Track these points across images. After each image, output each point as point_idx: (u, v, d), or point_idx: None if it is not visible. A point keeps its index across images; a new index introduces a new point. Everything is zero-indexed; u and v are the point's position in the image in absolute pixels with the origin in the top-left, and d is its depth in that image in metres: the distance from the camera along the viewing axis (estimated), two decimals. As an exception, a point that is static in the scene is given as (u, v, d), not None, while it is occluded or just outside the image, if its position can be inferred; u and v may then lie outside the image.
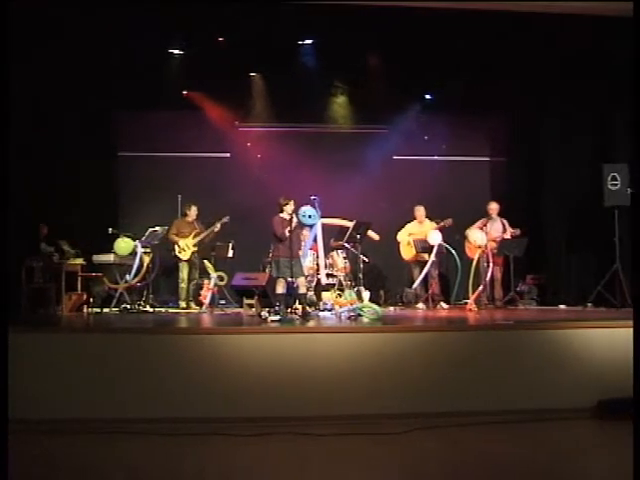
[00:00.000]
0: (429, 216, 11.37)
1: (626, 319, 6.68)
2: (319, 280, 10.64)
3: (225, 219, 11.16)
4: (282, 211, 8.96)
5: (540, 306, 11.23)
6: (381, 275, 12.67)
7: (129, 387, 6.13)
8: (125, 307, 10.21)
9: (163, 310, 10.65)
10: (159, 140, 12.37)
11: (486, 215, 11.13)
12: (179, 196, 11.77)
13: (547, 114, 11.73)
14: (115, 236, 10.45)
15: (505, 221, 11.08)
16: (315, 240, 10.47)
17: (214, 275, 10.86)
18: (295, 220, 8.98)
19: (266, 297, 9.41)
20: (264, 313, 8.67)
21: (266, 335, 6.53)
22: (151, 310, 10.36)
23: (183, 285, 11.22)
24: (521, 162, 12.50)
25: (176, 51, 11.48)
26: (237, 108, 12.38)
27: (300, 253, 9.47)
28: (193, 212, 11.37)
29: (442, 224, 10.92)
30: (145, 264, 10.52)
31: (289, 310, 8.86)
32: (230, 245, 11.11)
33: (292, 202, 8.98)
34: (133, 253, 10.39)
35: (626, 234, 9.56)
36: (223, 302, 11.38)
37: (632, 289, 8.73)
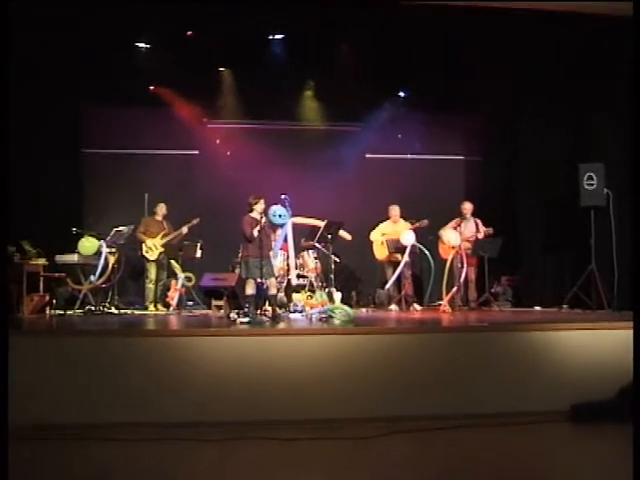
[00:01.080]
0: (403, 216, 11.42)
1: (602, 321, 6.78)
2: (289, 281, 10.64)
3: (194, 221, 11.13)
4: (252, 210, 8.92)
5: (515, 307, 11.31)
6: (353, 276, 12.70)
7: (93, 391, 6.07)
8: (89, 309, 10.12)
9: (129, 312, 10.59)
10: (125, 137, 12.29)
11: (460, 215, 11.19)
12: (146, 195, 11.70)
13: (524, 113, 11.80)
14: (79, 235, 10.36)
15: (478, 221, 11.14)
16: (285, 240, 10.46)
17: (182, 276, 10.80)
18: (265, 219, 8.96)
19: (235, 298, 9.40)
20: (233, 315, 8.66)
21: (235, 337, 6.50)
22: (116, 312, 10.28)
23: (150, 286, 11.17)
24: (497, 161, 12.58)
25: (143, 45, 11.41)
26: (206, 104, 12.34)
27: (270, 253, 9.44)
28: (162, 210, 11.32)
29: (417, 225, 10.96)
30: (110, 264, 10.43)
31: (259, 312, 8.83)
32: (198, 245, 11.07)
33: (262, 201, 8.94)
34: (98, 253, 10.31)
35: (602, 235, 9.66)
36: (191, 303, 11.33)
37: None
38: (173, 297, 10.77)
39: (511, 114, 12.02)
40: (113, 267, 10.48)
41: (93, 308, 10.16)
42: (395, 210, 11.42)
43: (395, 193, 12.11)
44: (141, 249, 11.15)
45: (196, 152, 12.86)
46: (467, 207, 11.23)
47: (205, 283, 9.90)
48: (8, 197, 5.88)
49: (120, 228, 10.56)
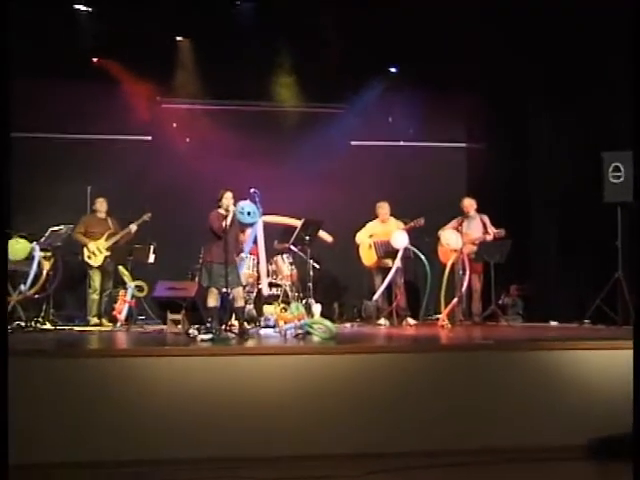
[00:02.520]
0: (394, 214, 11.39)
1: (629, 339, 6.74)
2: (260, 291, 10.58)
3: (145, 217, 11.07)
4: (220, 206, 8.89)
5: (526, 322, 11.34)
6: (335, 284, 12.69)
7: (22, 422, 5.94)
8: (19, 324, 9.97)
9: (67, 328, 10.48)
10: (63, 118, 12.16)
11: (462, 213, 11.18)
12: (88, 188, 11.62)
13: (534, 92, 11.82)
14: (7, 236, 10.24)
15: (486, 219, 11.14)
16: (255, 242, 10.39)
17: (131, 285, 10.71)
18: (230, 218, 8.90)
19: (195, 311, 9.34)
20: (193, 331, 8.61)
21: (195, 358, 6.43)
22: (52, 328, 10.17)
23: (93, 297, 11.08)
24: (504, 149, 12.58)
25: (83, 7, 11.29)
26: (160, 80, 12.24)
27: (237, 258, 9.39)
28: (102, 206, 11.24)
29: (412, 224, 10.94)
30: (45, 271, 10.33)
31: (223, 327, 8.75)
32: (151, 248, 10.98)
33: (229, 194, 8.90)
34: (30, 257, 10.19)
35: (630, 236, 9.59)
36: (142, 317, 11.24)
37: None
38: (121, 310, 10.67)
39: (520, 93, 12.02)
40: (48, 274, 10.38)
41: (23, 324, 10.02)
42: (384, 207, 11.38)
43: (385, 187, 12.10)
44: (82, 253, 11.05)
45: (148, 138, 12.79)
46: (468, 203, 11.22)
47: (159, 293, 9.81)
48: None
49: (57, 228, 10.47)
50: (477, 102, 12.76)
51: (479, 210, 11.25)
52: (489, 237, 10.92)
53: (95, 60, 12.01)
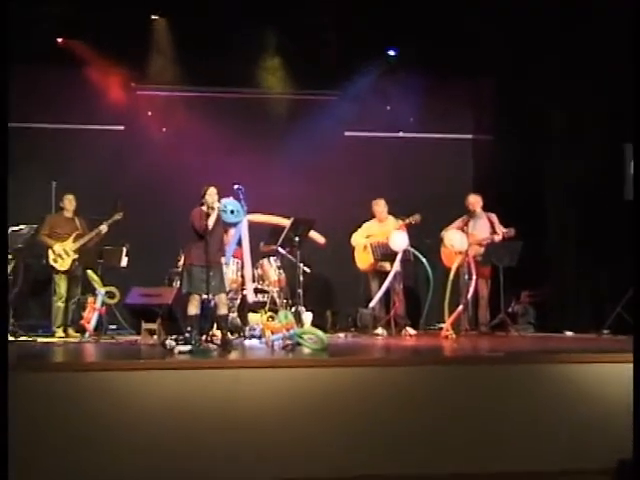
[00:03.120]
0: (393, 212, 11.39)
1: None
2: (244, 297, 10.57)
3: (117, 216, 11.03)
4: (203, 203, 8.88)
5: (539, 332, 11.35)
6: (328, 290, 12.70)
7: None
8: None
9: (30, 339, 10.45)
10: (24, 106, 12.06)
11: (467, 211, 11.19)
12: (53, 183, 11.57)
13: (549, 76, 11.80)
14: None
15: (494, 218, 11.15)
16: (239, 244, 10.39)
17: (102, 291, 10.67)
18: (215, 214, 8.89)
19: (173, 320, 9.33)
20: (170, 342, 8.55)
21: (172, 372, 6.43)
22: (13, 339, 10.14)
23: (59, 304, 11.02)
24: (514, 140, 12.51)
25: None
26: (134, 64, 12.22)
27: (220, 260, 9.39)
28: (70, 204, 11.19)
29: (408, 221, 10.92)
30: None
31: (204, 337, 8.81)
32: (124, 250, 10.96)
33: (213, 189, 8.90)
34: (-12, 261, 10.19)
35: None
36: (114, 327, 11.22)
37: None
38: (90, 319, 10.62)
39: (534, 78, 12.00)
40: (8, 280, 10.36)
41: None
42: (381, 205, 11.37)
43: (383, 183, 12.14)
44: (46, 256, 11.00)
45: (121, 127, 12.78)
46: (475, 200, 11.21)
47: (133, 300, 9.80)
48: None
49: (17, 228, 10.45)
50: (485, 88, 12.80)
51: (486, 208, 11.25)
52: (497, 238, 10.92)
53: (60, 41, 11.95)
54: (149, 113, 12.81)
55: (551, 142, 11.91)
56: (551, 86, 11.76)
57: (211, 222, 8.72)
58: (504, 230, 10.92)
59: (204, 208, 8.84)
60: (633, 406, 5.60)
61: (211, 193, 8.85)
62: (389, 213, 11.38)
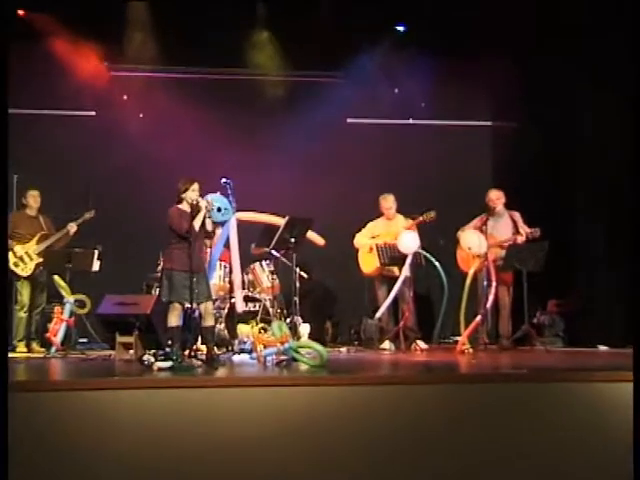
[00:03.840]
0: (402, 210, 11.40)
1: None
2: (233, 306, 10.56)
3: (88, 214, 11.03)
4: (181, 200, 8.85)
5: (569, 347, 11.36)
6: (328, 299, 12.71)
7: None
8: None
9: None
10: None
11: (486, 209, 11.17)
12: (14, 177, 11.55)
13: (577, 54, 11.76)
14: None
15: (517, 216, 11.13)
16: (227, 245, 10.39)
17: (70, 299, 10.66)
18: (203, 214, 8.87)
19: (151, 332, 9.32)
20: (148, 357, 8.55)
21: (151, 391, 6.40)
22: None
23: (21, 315, 11.04)
24: (540, 129, 12.51)
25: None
26: (108, 41, 12.22)
27: (205, 265, 9.38)
28: (35, 201, 11.18)
29: (421, 219, 10.93)
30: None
31: (187, 352, 8.79)
32: (95, 253, 10.94)
33: (196, 185, 8.88)
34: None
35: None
36: (84, 341, 11.24)
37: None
38: (57, 331, 10.61)
39: (563, 58, 11.96)
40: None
41: None
42: (389, 201, 11.36)
43: (391, 176, 12.17)
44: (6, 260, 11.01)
45: (92, 113, 12.77)
46: (495, 197, 11.18)
47: (106, 310, 9.77)
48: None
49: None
50: (507, 69, 12.73)
51: (509, 205, 11.23)
52: (521, 239, 10.89)
53: (21, 13, 11.93)
54: (125, 97, 12.81)
55: (583, 130, 11.86)
56: (584, 68, 11.68)
57: (197, 223, 8.70)
58: (528, 230, 10.88)
59: (182, 206, 8.80)
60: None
61: (194, 189, 8.82)
62: (397, 211, 11.38)
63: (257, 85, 12.79)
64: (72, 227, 11.06)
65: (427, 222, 10.94)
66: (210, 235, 9.21)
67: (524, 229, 10.95)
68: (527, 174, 12.42)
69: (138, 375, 7.47)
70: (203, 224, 8.82)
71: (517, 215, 11.15)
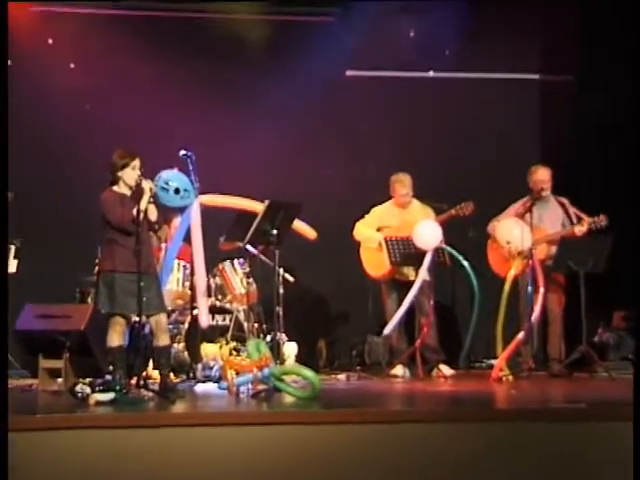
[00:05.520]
0: (420, 193, 11.44)
1: None
2: (196, 320, 10.57)
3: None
4: (116, 181, 8.84)
5: (640, 373, 11.40)
6: (321, 310, 12.72)
7: None
8: None
9: None
10: None
11: (530, 192, 11.17)
12: None
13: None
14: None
15: (566, 201, 11.13)
16: (188, 240, 10.40)
17: (-20, 311, 10.73)
18: (147, 198, 8.87)
19: (87, 355, 9.32)
20: (83, 387, 8.51)
21: (85, 432, 6.46)
22: None
23: None
24: (602, 85, 12.55)
25: None
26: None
27: (157, 265, 9.39)
28: None
29: (451, 213, 10.92)
30: None
31: (135, 381, 8.79)
32: (12, 249, 10.96)
33: (137, 162, 8.86)
34: None
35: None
36: (-2, 366, 11.24)
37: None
38: (-38, 353, 10.69)
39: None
40: None
41: None
42: (405, 184, 11.36)
43: (404, 148, 12.14)
44: None
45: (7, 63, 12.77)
46: (543, 176, 11.14)
47: (26, 325, 9.77)
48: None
49: None
50: (557, 7, 12.77)
51: (559, 189, 11.23)
52: (581, 229, 10.79)
53: None
54: (50, 41, 12.78)
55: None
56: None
57: (142, 207, 8.64)
58: (589, 219, 10.81)
59: (119, 189, 8.78)
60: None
61: (134, 166, 8.77)
62: (413, 195, 11.37)
63: (228, 26, 12.77)
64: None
65: (462, 216, 10.94)
66: (154, 228, 9.04)
67: (584, 217, 10.90)
68: (585, 146, 12.43)
69: (68, 411, 7.46)
70: (145, 212, 8.72)
71: (566, 201, 11.10)
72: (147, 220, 8.75)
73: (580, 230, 10.76)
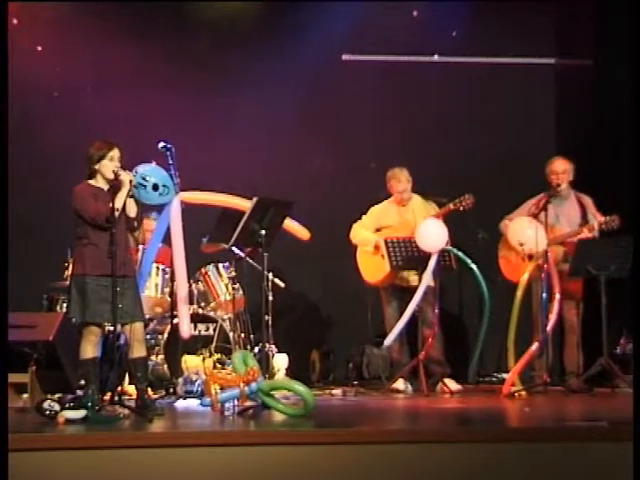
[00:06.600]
0: (421, 189, 11.44)
1: None
2: (176, 329, 10.57)
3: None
4: (93, 174, 8.82)
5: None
6: (315, 318, 12.72)
7: None
8: None
9: None
10: None
11: (546, 187, 11.16)
12: None
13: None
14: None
15: (588, 200, 11.13)
16: (168, 241, 10.40)
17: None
18: (126, 191, 8.85)
19: (56, 368, 9.32)
20: (51, 404, 8.50)
21: (55, 454, 6.44)
22: None
23: None
24: (623, 69, 12.54)
25: None
26: None
27: (134, 269, 9.39)
28: None
29: (450, 207, 10.95)
30: None
31: (109, 397, 8.78)
32: (-26, 251, 11.01)
33: (116, 152, 8.85)
34: None
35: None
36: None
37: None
38: None
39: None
40: None
41: None
42: (403, 179, 11.36)
43: (404, 140, 12.14)
44: None
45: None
46: (561, 169, 11.11)
47: (-11, 335, 9.82)
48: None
49: None
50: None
51: (577, 184, 11.21)
52: (593, 230, 10.77)
53: None
54: (14, 21, 12.77)
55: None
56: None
57: (118, 205, 8.61)
58: (600, 219, 10.80)
59: (95, 182, 8.75)
60: None
61: (112, 156, 8.74)
62: (414, 191, 11.40)
63: (214, 7, 12.77)
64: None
65: (462, 210, 10.94)
66: (133, 225, 8.97)
67: (596, 217, 10.86)
68: (605, 136, 12.43)
69: (35, 431, 7.46)
70: (124, 208, 8.70)
71: (588, 200, 11.06)
72: (125, 217, 8.69)
73: (589, 231, 10.72)
